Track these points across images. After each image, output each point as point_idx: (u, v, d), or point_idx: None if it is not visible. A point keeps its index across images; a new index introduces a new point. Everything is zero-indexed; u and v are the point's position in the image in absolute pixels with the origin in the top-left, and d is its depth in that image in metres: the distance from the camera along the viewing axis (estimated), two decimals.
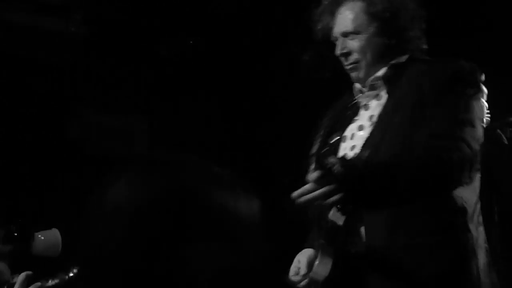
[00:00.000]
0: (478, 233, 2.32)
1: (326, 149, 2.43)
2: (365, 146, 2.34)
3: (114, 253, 1.08)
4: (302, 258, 2.50)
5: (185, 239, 1.07)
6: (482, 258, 2.30)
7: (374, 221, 2.29)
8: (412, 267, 2.25)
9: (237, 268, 1.09)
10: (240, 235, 1.11)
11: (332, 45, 2.53)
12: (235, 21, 5.00)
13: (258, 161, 4.87)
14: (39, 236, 2.21)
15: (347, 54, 2.45)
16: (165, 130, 5.13)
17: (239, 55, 5.17)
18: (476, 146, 2.23)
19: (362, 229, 2.32)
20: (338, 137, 2.48)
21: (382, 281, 2.29)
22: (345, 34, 2.45)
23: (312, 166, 2.24)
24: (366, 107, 2.47)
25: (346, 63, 2.47)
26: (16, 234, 2.20)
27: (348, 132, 2.46)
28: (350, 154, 2.40)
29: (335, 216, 2.26)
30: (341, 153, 2.42)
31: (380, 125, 2.36)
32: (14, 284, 1.93)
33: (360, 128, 2.44)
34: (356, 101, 2.53)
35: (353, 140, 2.44)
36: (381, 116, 2.37)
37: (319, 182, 2.11)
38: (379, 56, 2.43)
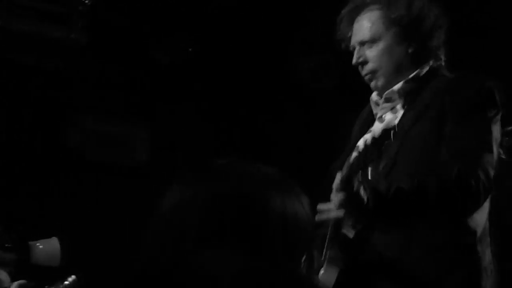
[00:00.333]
0: (485, 254, 2.33)
1: (340, 163, 2.42)
2: (381, 157, 2.33)
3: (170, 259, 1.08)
4: None
5: (243, 243, 1.07)
6: (486, 279, 2.31)
7: (387, 233, 2.31)
8: (424, 280, 2.26)
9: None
10: (298, 236, 1.12)
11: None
12: (236, 26, 5.00)
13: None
14: (38, 245, 2.20)
15: (363, 63, 2.42)
16: (166, 137, 5.13)
17: (240, 61, 5.16)
18: (492, 173, 2.23)
19: (374, 240, 2.32)
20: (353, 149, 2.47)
21: None
22: (362, 43, 2.41)
23: (338, 182, 2.21)
24: (381, 119, 2.45)
25: (363, 73, 2.44)
26: (14, 242, 2.19)
27: (361, 142, 2.43)
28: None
29: (347, 229, 2.29)
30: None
31: (397, 137, 2.34)
32: None
33: (373, 139, 2.41)
34: (373, 112, 2.51)
35: None
36: (398, 128, 2.35)
37: (343, 206, 2.16)
38: (397, 65, 2.40)
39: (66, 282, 2.03)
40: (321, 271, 2.33)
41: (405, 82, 2.40)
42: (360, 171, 2.21)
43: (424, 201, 2.19)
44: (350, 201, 2.15)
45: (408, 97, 2.39)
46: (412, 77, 2.40)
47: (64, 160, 4.76)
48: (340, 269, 2.30)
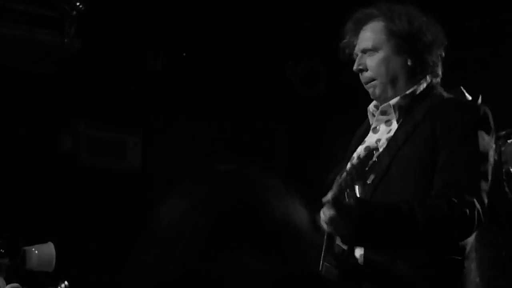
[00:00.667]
0: (471, 270, 2.37)
1: (337, 172, 2.43)
2: (370, 170, 2.32)
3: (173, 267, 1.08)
4: None
5: (243, 250, 1.07)
6: None
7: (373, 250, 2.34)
8: None
9: (291, 279, 1.08)
10: (298, 246, 1.12)
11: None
12: (228, 33, 5.01)
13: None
14: (34, 250, 2.19)
15: (362, 70, 2.49)
16: (158, 143, 5.13)
17: (231, 69, 5.17)
18: (487, 200, 2.24)
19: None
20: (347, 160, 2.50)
21: None
22: (364, 51, 2.49)
23: (330, 194, 2.22)
24: (375, 130, 2.51)
25: (362, 80, 2.51)
26: (8, 247, 2.18)
27: (356, 154, 2.48)
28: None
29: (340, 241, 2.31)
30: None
31: (388, 152, 2.38)
32: None
33: (367, 149, 2.44)
34: (369, 122, 2.56)
35: None
36: (390, 143, 2.40)
37: (332, 223, 2.17)
38: (394, 76, 2.46)
39: None
40: None
41: (402, 98, 2.46)
42: (348, 190, 2.22)
43: (414, 231, 2.20)
44: (339, 219, 2.16)
45: (403, 112, 2.44)
46: (409, 93, 2.46)
47: (57, 165, 4.75)
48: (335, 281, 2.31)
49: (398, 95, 2.45)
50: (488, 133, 2.34)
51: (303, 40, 4.96)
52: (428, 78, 2.47)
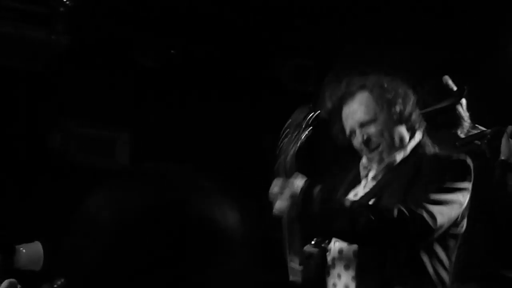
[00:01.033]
0: (447, 278, 2.52)
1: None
2: (363, 197, 2.60)
3: (98, 268, 1.07)
4: None
5: (172, 252, 1.06)
6: None
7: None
8: None
9: (226, 280, 1.07)
10: (227, 247, 1.10)
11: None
12: (217, 30, 5.00)
13: (239, 173, 4.86)
14: (21, 249, 2.17)
15: (368, 141, 2.62)
16: (147, 141, 5.11)
17: (222, 64, 5.17)
18: (442, 222, 2.42)
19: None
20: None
21: None
22: (362, 125, 2.62)
23: (295, 189, 2.44)
24: (366, 177, 2.69)
25: (369, 149, 2.63)
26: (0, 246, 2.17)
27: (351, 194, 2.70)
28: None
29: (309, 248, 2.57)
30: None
31: (378, 184, 2.60)
32: None
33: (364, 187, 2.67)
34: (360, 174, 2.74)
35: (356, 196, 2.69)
36: (380, 181, 2.61)
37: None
38: (394, 137, 2.62)
39: (55, 286, 2.01)
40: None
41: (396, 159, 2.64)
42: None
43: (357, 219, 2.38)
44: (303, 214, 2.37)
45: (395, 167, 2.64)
46: (401, 159, 2.63)
47: (46, 162, 4.73)
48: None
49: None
50: (464, 181, 2.53)
51: (295, 39, 4.96)
52: (417, 135, 2.66)
